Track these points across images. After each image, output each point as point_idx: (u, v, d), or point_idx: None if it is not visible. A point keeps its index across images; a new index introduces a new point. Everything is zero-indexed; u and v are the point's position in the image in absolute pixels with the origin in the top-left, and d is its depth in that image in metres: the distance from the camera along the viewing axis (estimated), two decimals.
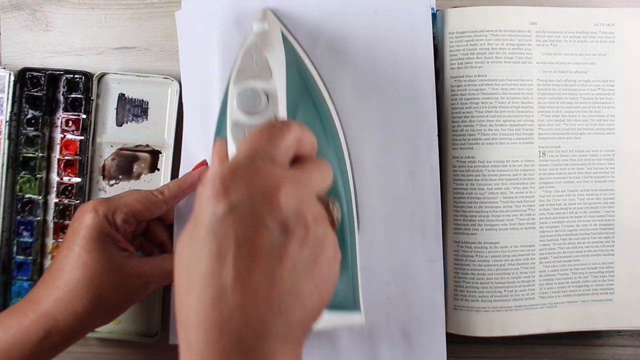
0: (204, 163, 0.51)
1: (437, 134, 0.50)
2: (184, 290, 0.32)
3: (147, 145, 0.54)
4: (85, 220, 0.45)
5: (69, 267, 0.44)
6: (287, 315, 0.31)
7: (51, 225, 0.53)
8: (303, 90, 0.46)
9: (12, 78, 0.52)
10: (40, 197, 0.53)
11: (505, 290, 0.50)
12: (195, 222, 0.32)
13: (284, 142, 0.34)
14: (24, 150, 0.53)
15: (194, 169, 0.51)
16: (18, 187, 0.53)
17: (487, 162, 0.50)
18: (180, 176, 0.52)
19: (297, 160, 0.35)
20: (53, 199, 0.53)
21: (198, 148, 0.51)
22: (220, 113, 0.47)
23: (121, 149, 0.54)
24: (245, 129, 0.41)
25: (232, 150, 0.41)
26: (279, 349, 0.30)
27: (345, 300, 0.45)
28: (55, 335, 0.44)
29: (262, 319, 0.30)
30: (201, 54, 0.51)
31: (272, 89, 0.41)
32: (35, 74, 0.53)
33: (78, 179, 0.53)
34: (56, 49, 0.55)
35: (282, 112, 0.42)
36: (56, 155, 0.54)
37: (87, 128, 0.53)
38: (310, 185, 0.34)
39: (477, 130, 0.50)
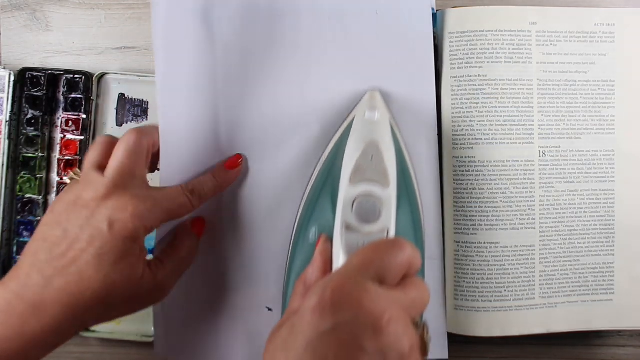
0: (239, 157, 0.50)
1: (437, 133, 0.50)
2: None
3: None
4: (118, 230, 0.41)
5: (87, 275, 0.40)
6: None
7: None
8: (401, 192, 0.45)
9: (12, 78, 0.52)
10: (40, 197, 0.53)
11: (505, 290, 0.50)
12: (293, 328, 0.32)
13: (396, 264, 0.34)
14: (24, 150, 0.53)
15: (227, 164, 0.49)
16: (18, 187, 0.53)
17: (487, 162, 0.50)
18: (163, 159, 0.49)
19: (400, 281, 0.35)
20: (53, 199, 0.53)
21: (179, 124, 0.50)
22: (312, 195, 0.47)
23: None
24: (358, 237, 0.40)
25: (338, 254, 0.41)
26: None
27: None
28: (56, 337, 0.41)
29: None
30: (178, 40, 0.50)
31: (387, 198, 0.41)
32: (35, 74, 0.53)
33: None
34: (56, 49, 0.55)
35: (393, 224, 0.41)
36: (56, 155, 0.54)
37: (87, 128, 0.53)
38: (410, 311, 0.33)
39: (477, 130, 0.50)
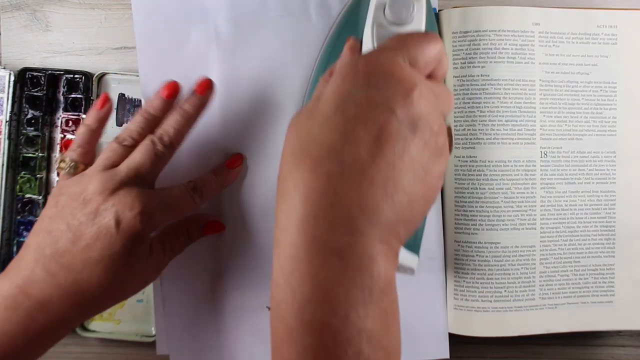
0: (240, 156, 0.50)
1: None
2: (294, 160, 0.31)
3: None
4: (125, 227, 0.40)
5: (97, 274, 0.40)
6: (398, 210, 0.30)
7: None
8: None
9: (12, 78, 0.52)
10: (40, 197, 0.53)
11: (505, 291, 0.50)
12: (320, 98, 0.32)
13: (429, 52, 0.34)
14: (24, 150, 0.53)
15: (228, 163, 0.50)
16: (18, 187, 0.53)
17: (488, 161, 0.50)
18: None
19: (428, 78, 0.35)
20: None
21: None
22: (345, 16, 0.47)
23: None
24: (389, 34, 0.40)
25: (368, 47, 0.40)
26: (384, 239, 0.30)
27: (411, 239, 0.44)
28: (62, 330, 0.41)
29: (376, 206, 0.30)
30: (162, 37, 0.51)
31: (420, 5, 0.40)
32: (35, 74, 0.53)
33: None
34: (56, 49, 0.55)
35: (423, 28, 0.41)
36: (56, 155, 0.54)
37: None
38: (438, 100, 0.33)
39: (479, 129, 0.50)
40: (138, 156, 0.43)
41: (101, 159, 0.43)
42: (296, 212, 0.30)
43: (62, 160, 0.44)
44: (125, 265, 0.41)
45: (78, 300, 0.40)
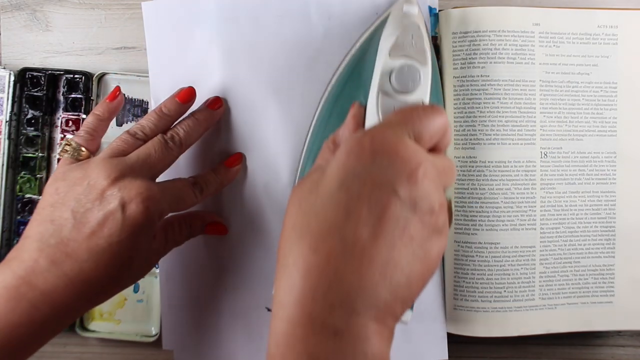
0: (240, 155, 0.50)
1: None
2: (295, 236, 0.32)
3: None
4: (132, 214, 0.40)
5: (103, 262, 0.40)
6: (396, 291, 0.31)
7: None
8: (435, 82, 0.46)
9: (12, 78, 0.52)
10: (40, 197, 0.53)
11: (505, 291, 0.50)
12: (324, 172, 0.33)
13: (434, 126, 0.34)
14: (24, 150, 0.53)
15: (228, 162, 0.50)
16: (18, 187, 0.53)
17: (488, 162, 0.50)
18: None
19: (432, 151, 0.35)
20: None
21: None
22: (344, 76, 0.47)
23: None
24: (394, 102, 0.41)
25: (373, 117, 0.41)
26: (380, 318, 0.31)
27: None
28: (68, 319, 0.41)
29: (374, 287, 0.30)
30: (177, 47, 0.52)
31: (425, 73, 0.41)
32: (35, 74, 0.53)
33: None
34: (56, 49, 0.55)
35: (427, 98, 0.41)
36: (56, 155, 0.54)
37: None
38: (441, 175, 0.34)
39: (479, 130, 0.50)
40: (149, 147, 0.44)
41: (110, 147, 0.44)
42: (295, 288, 0.31)
43: (67, 144, 0.44)
44: (131, 252, 0.41)
45: (84, 290, 0.40)
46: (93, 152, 0.45)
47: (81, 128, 0.46)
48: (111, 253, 0.40)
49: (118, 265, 0.41)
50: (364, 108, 0.42)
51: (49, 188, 0.42)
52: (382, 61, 0.41)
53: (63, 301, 0.39)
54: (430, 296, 0.51)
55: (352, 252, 0.30)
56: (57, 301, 0.39)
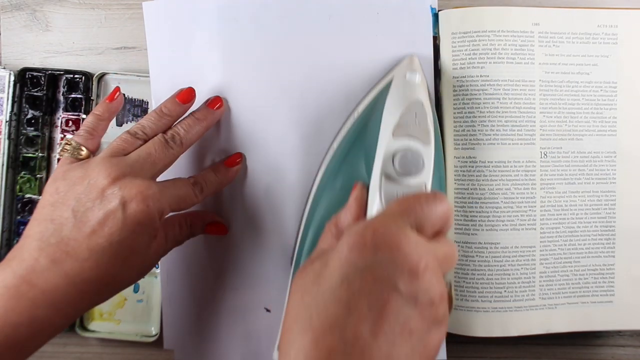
0: (239, 155, 0.50)
1: (439, 133, 0.50)
2: (297, 329, 0.32)
3: None
4: (132, 212, 0.40)
5: (104, 261, 0.40)
6: None
7: None
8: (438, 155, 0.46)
9: (12, 78, 0.52)
10: (40, 197, 0.53)
11: (505, 291, 0.50)
12: (327, 263, 0.33)
13: (435, 215, 0.35)
14: (24, 150, 0.53)
15: (227, 162, 0.50)
16: (18, 187, 0.53)
17: (488, 162, 0.50)
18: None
19: (434, 234, 0.36)
20: None
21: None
22: (344, 149, 0.47)
23: None
24: (397, 188, 0.41)
25: (375, 202, 0.41)
26: None
27: None
28: (68, 319, 0.41)
29: None
30: (177, 47, 0.52)
31: (428, 155, 0.41)
32: (35, 74, 0.53)
33: None
34: (56, 49, 0.55)
35: (430, 181, 0.42)
36: (56, 155, 0.54)
37: None
38: (442, 264, 0.34)
39: (478, 130, 0.50)
40: (149, 147, 0.44)
41: (110, 147, 0.44)
42: None
43: (67, 143, 0.44)
44: (132, 251, 0.41)
45: (84, 289, 0.40)
46: (93, 151, 0.45)
47: (81, 127, 0.46)
48: (112, 252, 0.40)
49: (119, 264, 0.41)
50: (366, 189, 0.42)
51: (49, 187, 0.42)
52: (385, 142, 0.42)
53: (63, 300, 0.39)
54: None
55: (352, 349, 0.30)
56: (57, 300, 0.39)
